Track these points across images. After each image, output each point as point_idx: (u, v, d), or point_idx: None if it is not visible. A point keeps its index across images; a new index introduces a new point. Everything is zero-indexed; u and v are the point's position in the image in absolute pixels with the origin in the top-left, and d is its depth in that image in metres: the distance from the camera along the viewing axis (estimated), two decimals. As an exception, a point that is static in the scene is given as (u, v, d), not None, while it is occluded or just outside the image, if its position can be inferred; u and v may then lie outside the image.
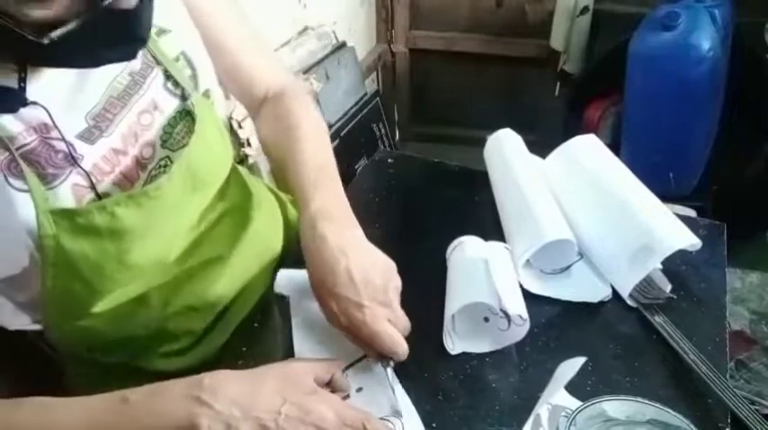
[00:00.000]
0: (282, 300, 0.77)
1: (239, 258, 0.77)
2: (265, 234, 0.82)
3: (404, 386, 0.65)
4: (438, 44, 2.25)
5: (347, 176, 0.78)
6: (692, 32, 1.49)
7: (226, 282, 0.76)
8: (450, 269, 0.75)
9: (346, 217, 0.69)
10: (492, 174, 0.92)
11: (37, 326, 0.67)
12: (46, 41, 0.46)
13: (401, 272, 0.68)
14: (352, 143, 1.90)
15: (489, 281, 0.68)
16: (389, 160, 1.03)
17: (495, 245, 0.77)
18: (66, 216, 0.57)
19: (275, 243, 0.84)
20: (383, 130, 2.11)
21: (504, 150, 0.92)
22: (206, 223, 0.74)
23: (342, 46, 1.90)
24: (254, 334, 0.75)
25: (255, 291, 0.80)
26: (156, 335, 0.73)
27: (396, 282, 0.66)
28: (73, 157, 0.58)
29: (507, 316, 0.67)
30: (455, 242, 0.77)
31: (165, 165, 0.66)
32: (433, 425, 0.62)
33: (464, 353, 0.69)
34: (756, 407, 0.98)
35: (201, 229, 0.73)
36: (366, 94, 2.02)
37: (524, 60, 2.17)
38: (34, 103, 0.54)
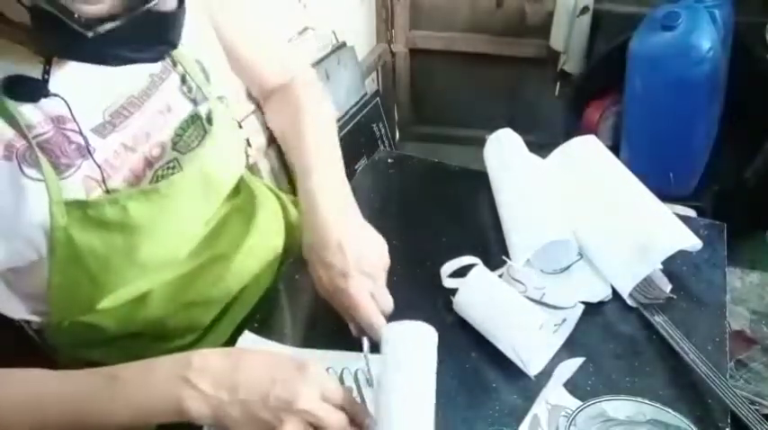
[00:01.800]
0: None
1: (243, 257, 0.77)
2: (267, 233, 0.83)
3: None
4: (438, 44, 2.25)
5: (347, 176, 0.79)
6: (692, 32, 1.49)
7: (229, 280, 0.76)
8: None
9: (344, 193, 0.73)
10: (492, 175, 0.92)
11: (36, 318, 0.67)
12: (90, 35, 0.47)
13: (401, 271, 0.68)
14: (352, 143, 1.90)
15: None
16: (389, 160, 1.03)
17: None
18: (78, 207, 0.57)
19: (277, 242, 0.85)
20: (383, 130, 2.11)
21: (504, 150, 0.92)
22: (213, 223, 0.75)
23: (342, 46, 1.90)
24: (255, 332, 0.75)
25: (258, 289, 0.81)
26: (158, 333, 0.73)
27: (385, 261, 0.69)
28: (87, 149, 0.59)
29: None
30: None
31: (173, 167, 0.66)
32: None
33: (464, 353, 0.69)
34: (756, 407, 0.98)
35: (208, 230, 0.74)
36: (366, 93, 2.02)
37: (524, 60, 2.17)
38: (55, 95, 0.55)
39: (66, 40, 0.48)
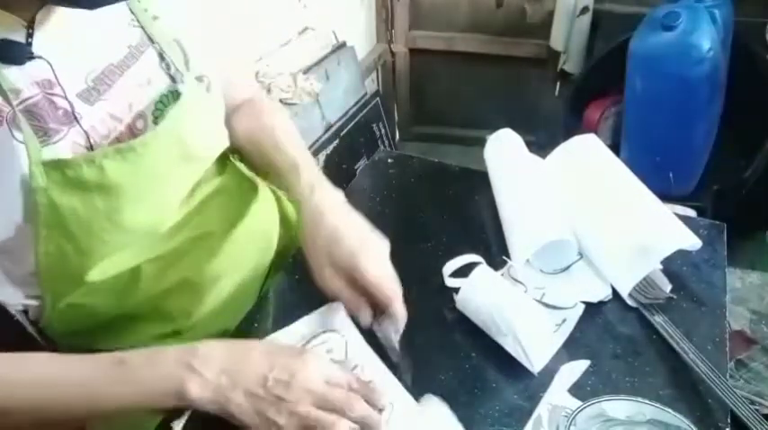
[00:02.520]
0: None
1: (234, 238, 0.78)
2: (262, 222, 0.84)
3: (404, 386, 0.65)
4: (438, 44, 2.25)
5: (347, 176, 0.79)
6: (692, 32, 1.49)
7: (220, 260, 0.77)
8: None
9: (333, 189, 0.75)
10: (492, 174, 0.92)
11: (32, 302, 0.68)
12: None
13: (401, 272, 0.68)
14: (352, 143, 1.90)
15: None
16: (389, 160, 1.03)
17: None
18: (56, 167, 0.58)
19: (272, 234, 0.85)
20: (383, 130, 2.11)
21: (505, 150, 0.92)
22: (200, 196, 0.76)
23: (342, 46, 1.90)
24: (252, 329, 0.75)
25: (253, 280, 0.82)
26: (150, 315, 0.74)
27: (388, 246, 0.71)
28: (74, 115, 0.60)
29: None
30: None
31: None
32: (433, 425, 0.61)
33: (464, 354, 0.69)
34: (756, 407, 0.98)
35: (195, 203, 0.75)
36: (366, 94, 2.02)
37: (524, 60, 2.17)
38: (39, 57, 0.57)
39: None
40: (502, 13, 2.12)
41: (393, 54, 2.31)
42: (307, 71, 1.70)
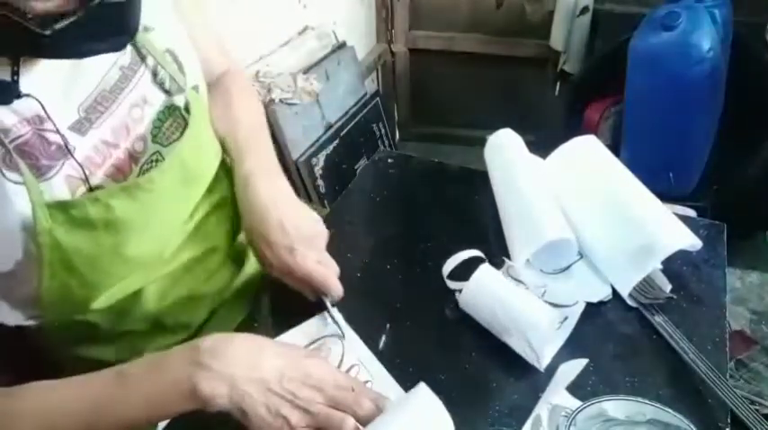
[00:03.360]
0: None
1: (234, 249, 0.78)
2: None
3: (404, 386, 0.65)
4: (438, 44, 2.26)
5: (347, 176, 0.79)
6: (692, 32, 1.49)
7: (222, 274, 0.77)
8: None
9: (275, 173, 0.76)
10: (492, 174, 0.92)
11: (31, 322, 0.67)
12: (48, 33, 0.47)
13: (401, 271, 0.68)
14: (352, 143, 1.90)
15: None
16: (389, 160, 1.03)
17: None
18: (61, 208, 0.57)
19: None
20: (383, 130, 2.11)
21: (505, 150, 0.92)
22: (199, 215, 0.75)
23: (342, 46, 1.90)
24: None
25: (251, 285, 0.81)
26: (152, 330, 0.73)
27: (323, 231, 0.73)
28: (67, 148, 0.59)
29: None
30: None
31: (157, 160, 0.67)
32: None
33: (464, 353, 0.69)
34: (756, 407, 0.98)
35: (195, 222, 0.74)
36: (366, 93, 2.02)
37: (524, 60, 2.17)
38: (27, 95, 0.55)
39: (23, 40, 0.48)
40: (502, 13, 2.12)
41: (393, 54, 2.31)
42: (307, 71, 1.70)
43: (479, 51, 2.21)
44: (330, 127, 1.81)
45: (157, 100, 0.67)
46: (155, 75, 0.67)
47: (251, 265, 0.82)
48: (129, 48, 0.65)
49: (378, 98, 2.08)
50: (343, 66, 1.88)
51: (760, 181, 1.65)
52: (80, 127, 0.60)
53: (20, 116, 0.56)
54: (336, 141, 1.82)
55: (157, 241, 0.68)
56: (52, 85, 0.58)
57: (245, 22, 1.50)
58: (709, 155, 1.71)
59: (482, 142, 0.97)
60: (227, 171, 0.80)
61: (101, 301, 0.65)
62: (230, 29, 1.37)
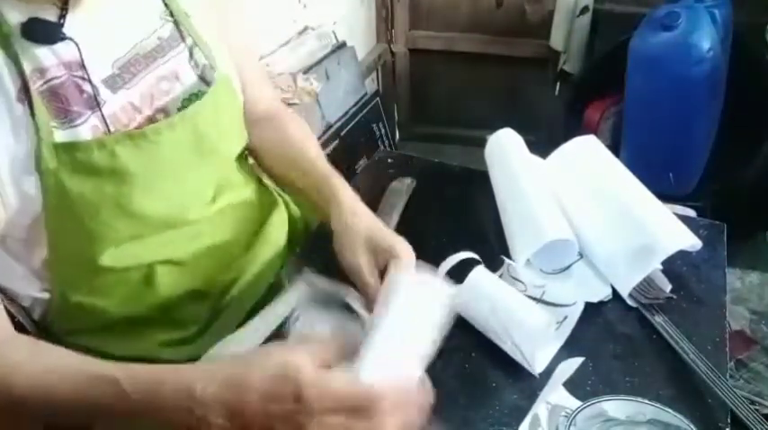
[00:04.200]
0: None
1: (249, 249, 0.79)
2: (274, 228, 0.85)
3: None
4: (438, 44, 2.26)
5: (347, 176, 0.79)
6: (692, 32, 1.49)
7: (234, 270, 0.77)
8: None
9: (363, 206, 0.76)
10: (492, 174, 0.92)
11: (44, 295, 0.68)
12: None
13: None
14: (352, 143, 1.90)
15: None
16: (389, 160, 1.03)
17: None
18: (67, 149, 0.58)
19: (281, 238, 0.86)
20: (383, 130, 2.11)
21: (505, 150, 0.92)
22: (221, 203, 0.75)
23: (342, 46, 1.90)
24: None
25: (261, 283, 0.81)
26: (161, 322, 0.73)
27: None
28: (96, 101, 0.61)
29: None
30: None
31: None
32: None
33: (464, 354, 0.69)
34: (756, 407, 0.98)
35: (216, 208, 0.74)
36: (366, 93, 2.02)
37: (524, 60, 2.17)
38: (70, 38, 0.58)
39: None
40: (502, 13, 2.12)
41: (393, 54, 2.31)
42: (307, 71, 1.70)
43: (479, 51, 2.21)
44: (330, 127, 1.81)
45: (189, 79, 0.69)
46: (191, 56, 0.70)
47: (265, 272, 0.82)
48: (170, 24, 0.68)
49: (378, 98, 2.08)
50: (343, 66, 1.88)
51: (760, 181, 1.65)
52: (113, 83, 0.63)
53: (59, 59, 0.58)
54: (336, 141, 1.82)
55: (167, 204, 0.68)
56: (92, 34, 0.61)
57: (245, 21, 1.50)
58: (709, 155, 1.71)
59: (482, 142, 0.97)
60: (257, 179, 0.82)
61: (107, 258, 0.66)
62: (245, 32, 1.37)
